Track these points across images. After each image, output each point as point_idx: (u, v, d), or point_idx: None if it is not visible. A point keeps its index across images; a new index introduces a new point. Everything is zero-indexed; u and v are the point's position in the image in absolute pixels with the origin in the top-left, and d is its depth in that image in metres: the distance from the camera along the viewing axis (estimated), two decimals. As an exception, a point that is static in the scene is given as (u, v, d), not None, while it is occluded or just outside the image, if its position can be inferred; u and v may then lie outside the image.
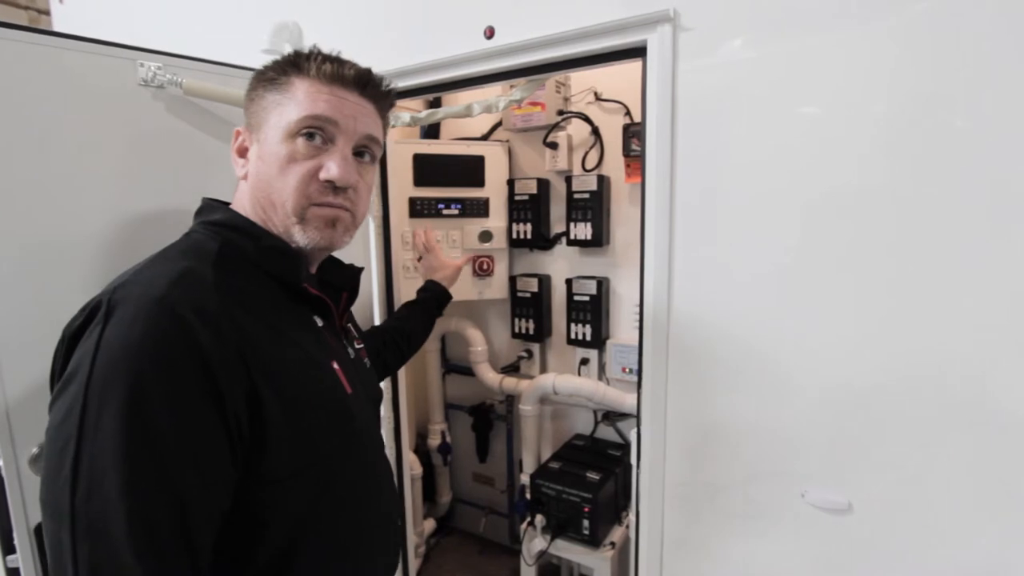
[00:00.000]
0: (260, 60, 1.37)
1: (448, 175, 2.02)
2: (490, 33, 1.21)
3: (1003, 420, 0.84)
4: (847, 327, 0.93)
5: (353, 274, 0.82)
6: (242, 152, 0.73)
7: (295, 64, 0.69)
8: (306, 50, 0.71)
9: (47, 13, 2.17)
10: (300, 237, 0.68)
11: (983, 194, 0.82)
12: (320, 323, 0.74)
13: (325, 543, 0.66)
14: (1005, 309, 0.82)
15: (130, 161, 1.01)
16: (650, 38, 1.03)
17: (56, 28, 2.07)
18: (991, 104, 0.80)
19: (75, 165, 0.95)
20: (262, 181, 0.68)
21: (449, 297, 1.47)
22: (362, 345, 0.86)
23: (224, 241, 0.65)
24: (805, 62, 0.92)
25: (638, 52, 1.07)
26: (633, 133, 1.77)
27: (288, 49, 1.52)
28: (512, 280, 2.10)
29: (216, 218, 0.68)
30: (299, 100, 0.67)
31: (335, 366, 0.72)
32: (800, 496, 1.00)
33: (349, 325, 0.85)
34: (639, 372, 1.15)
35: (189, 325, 0.55)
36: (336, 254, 0.81)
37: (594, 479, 1.78)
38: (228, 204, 0.72)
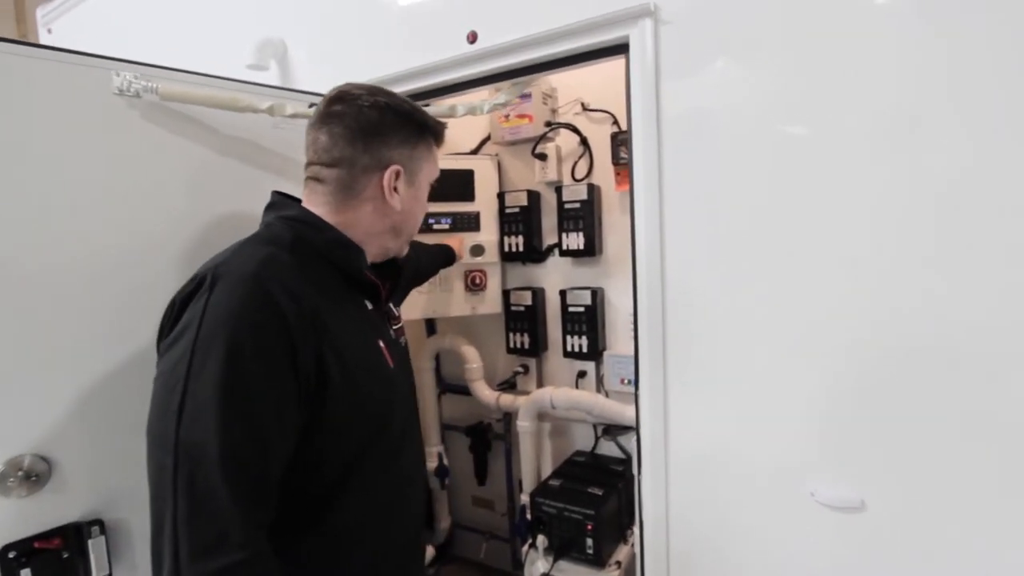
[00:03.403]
0: (246, 75, 1.35)
1: (438, 189, 2.00)
2: (473, 38, 1.21)
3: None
4: (848, 321, 0.90)
5: (398, 267, 0.96)
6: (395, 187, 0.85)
7: (434, 132, 0.90)
8: (429, 114, 0.89)
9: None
10: (395, 250, 0.91)
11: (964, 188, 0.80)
12: (370, 306, 0.88)
13: (368, 484, 0.80)
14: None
15: (110, 172, 0.98)
16: (632, 33, 1.03)
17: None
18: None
19: (52, 176, 0.92)
20: (407, 215, 0.88)
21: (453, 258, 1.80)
22: (400, 325, 0.98)
23: (296, 233, 0.79)
24: (780, 56, 0.91)
25: (621, 49, 1.07)
26: (621, 141, 1.77)
27: (273, 65, 1.54)
28: (505, 294, 2.07)
29: (290, 214, 0.82)
30: (435, 161, 0.93)
31: (380, 343, 0.85)
32: (809, 495, 0.95)
33: (390, 307, 0.97)
34: (636, 381, 1.11)
35: (274, 296, 0.68)
36: None
37: (596, 494, 1.71)
38: (298, 200, 0.85)
